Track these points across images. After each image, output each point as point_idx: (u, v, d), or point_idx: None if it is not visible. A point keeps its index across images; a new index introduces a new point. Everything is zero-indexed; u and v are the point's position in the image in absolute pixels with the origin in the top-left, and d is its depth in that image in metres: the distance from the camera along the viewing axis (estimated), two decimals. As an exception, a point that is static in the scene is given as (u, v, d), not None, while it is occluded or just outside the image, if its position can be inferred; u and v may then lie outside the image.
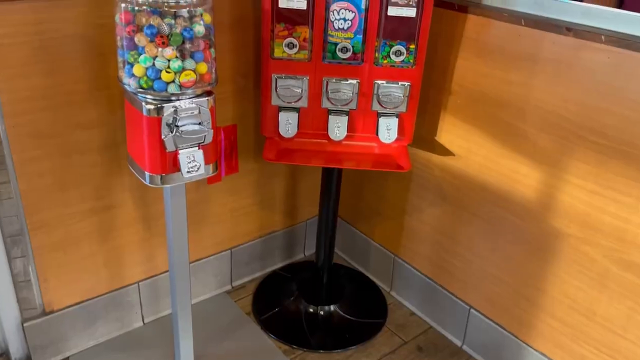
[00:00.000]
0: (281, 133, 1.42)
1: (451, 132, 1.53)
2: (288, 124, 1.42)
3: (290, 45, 1.33)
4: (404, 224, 1.78)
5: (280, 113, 1.41)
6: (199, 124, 1.15)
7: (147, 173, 1.15)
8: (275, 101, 1.40)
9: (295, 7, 1.29)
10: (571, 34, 1.21)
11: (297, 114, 1.41)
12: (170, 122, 1.10)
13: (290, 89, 1.38)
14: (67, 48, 1.24)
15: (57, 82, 1.26)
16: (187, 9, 1.07)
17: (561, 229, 1.34)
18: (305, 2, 1.28)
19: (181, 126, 1.11)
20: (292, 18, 1.31)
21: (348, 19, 1.30)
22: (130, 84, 1.11)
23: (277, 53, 1.34)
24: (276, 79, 1.37)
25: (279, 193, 1.85)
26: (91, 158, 1.38)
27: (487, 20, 1.36)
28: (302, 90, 1.38)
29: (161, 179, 1.15)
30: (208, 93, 1.16)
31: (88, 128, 1.35)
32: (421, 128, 1.57)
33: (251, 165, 1.72)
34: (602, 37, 1.16)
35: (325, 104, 1.40)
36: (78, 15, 1.23)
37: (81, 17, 1.24)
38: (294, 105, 1.40)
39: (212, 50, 1.15)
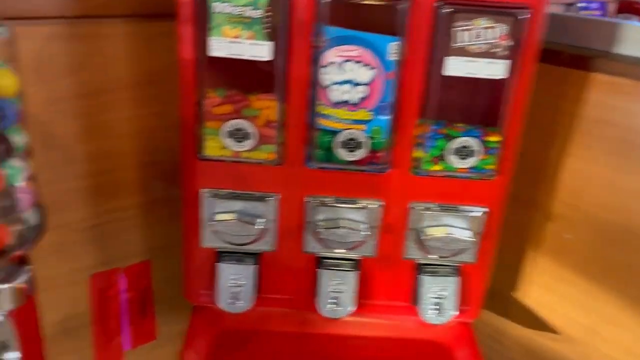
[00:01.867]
0: (220, 305, 0.70)
1: (551, 291, 0.81)
2: (236, 285, 0.70)
3: (238, 135, 0.63)
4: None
5: (219, 265, 0.69)
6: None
7: None
8: (209, 241, 0.69)
9: (248, 56, 0.59)
10: None
11: (255, 267, 0.70)
12: None
13: (241, 219, 0.67)
14: None
15: None
16: None
17: None
18: (268, 45, 0.59)
19: None
20: (242, 79, 0.61)
21: (361, 82, 0.61)
22: None
23: (211, 150, 0.64)
24: (210, 200, 0.67)
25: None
26: None
27: (634, 83, 0.68)
28: (265, 222, 0.67)
29: None
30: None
31: None
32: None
33: (180, 326, 0.98)
34: None
35: (312, 247, 0.69)
36: None
37: None
38: (247, 249, 0.69)
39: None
